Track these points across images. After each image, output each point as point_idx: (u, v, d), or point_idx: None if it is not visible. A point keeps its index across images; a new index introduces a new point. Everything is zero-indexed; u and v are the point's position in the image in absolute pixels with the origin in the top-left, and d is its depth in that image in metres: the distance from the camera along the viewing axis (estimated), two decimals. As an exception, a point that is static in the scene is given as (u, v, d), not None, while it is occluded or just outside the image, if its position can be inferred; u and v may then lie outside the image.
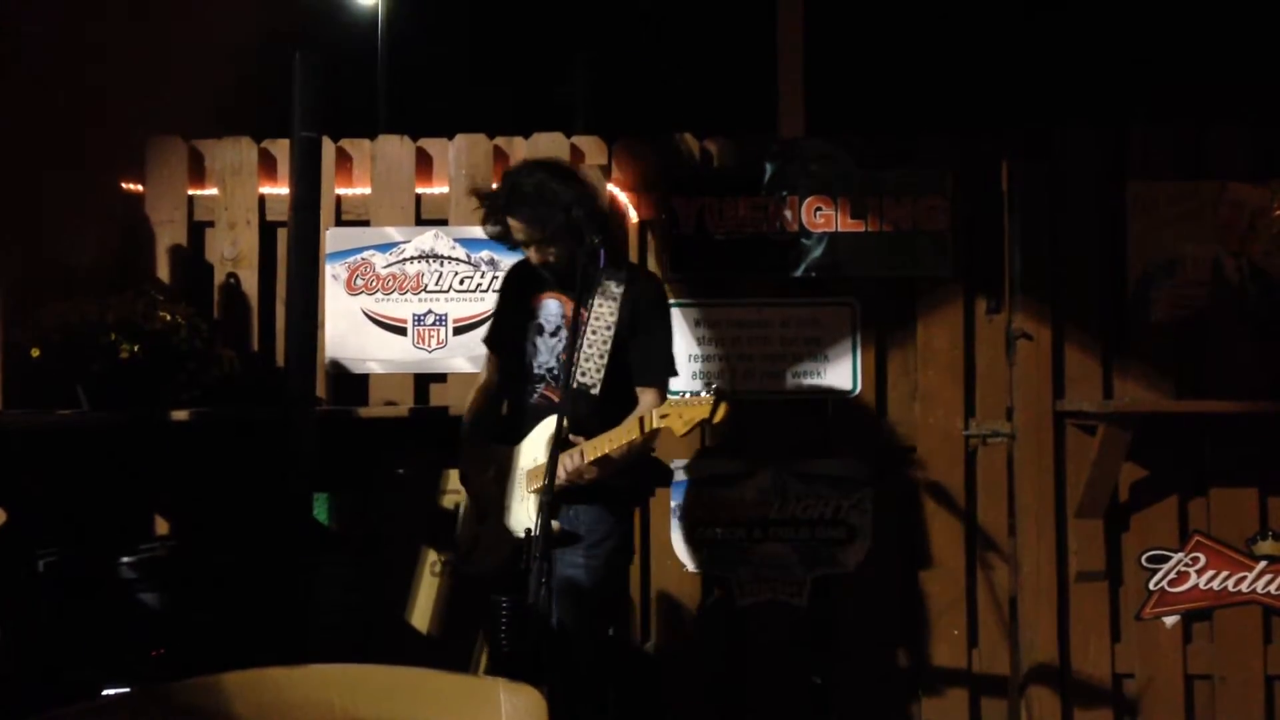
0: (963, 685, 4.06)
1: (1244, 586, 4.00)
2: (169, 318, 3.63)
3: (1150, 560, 4.01)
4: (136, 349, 3.51)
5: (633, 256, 4.15)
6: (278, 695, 1.95)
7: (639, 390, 3.25)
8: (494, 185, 3.58)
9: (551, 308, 3.30)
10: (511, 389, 3.40)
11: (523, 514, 3.17)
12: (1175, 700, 3.99)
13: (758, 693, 4.06)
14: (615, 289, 3.24)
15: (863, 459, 4.09)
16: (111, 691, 3.06)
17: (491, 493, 3.27)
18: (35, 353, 3.51)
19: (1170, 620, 4.01)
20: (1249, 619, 4.01)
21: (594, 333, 3.20)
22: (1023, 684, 4.00)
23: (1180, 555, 4.00)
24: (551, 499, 2.68)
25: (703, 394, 2.92)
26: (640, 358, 3.18)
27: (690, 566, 4.09)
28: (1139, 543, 4.02)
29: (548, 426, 3.15)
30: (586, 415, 3.17)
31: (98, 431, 3.61)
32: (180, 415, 3.63)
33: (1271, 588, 3.99)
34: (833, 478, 4.07)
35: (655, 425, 3.00)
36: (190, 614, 3.34)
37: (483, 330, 3.75)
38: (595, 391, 3.19)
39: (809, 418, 4.14)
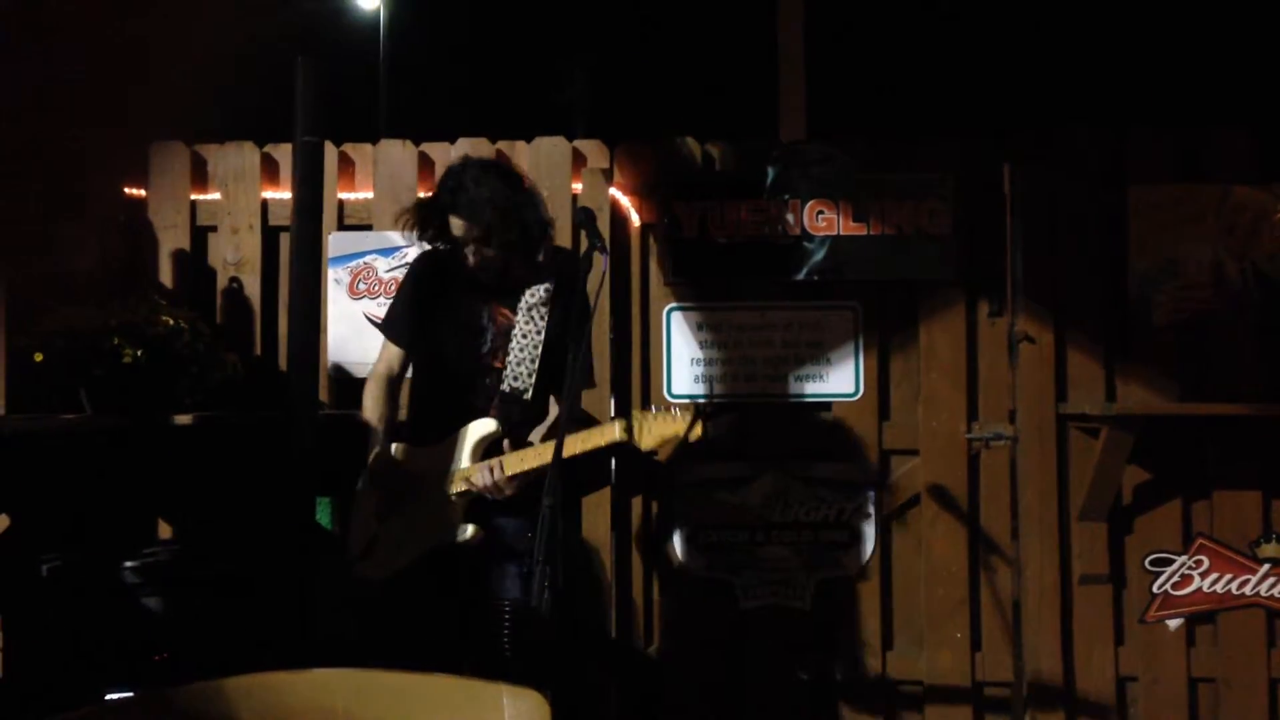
0: (966, 688, 4.05)
1: (1248, 589, 3.99)
2: (172, 322, 3.63)
3: (1153, 563, 4.00)
4: (139, 353, 3.51)
5: (634, 260, 4.16)
6: (281, 699, 1.95)
7: (555, 400, 3.22)
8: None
9: (478, 308, 3.25)
10: (423, 387, 3.33)
11: (446, 518, 3.12)
12: (1179, 704, 3.99)
13: (760, 696, 4.06)
14: (543, 293, 3.23)
15: (865, 462, 4.09)
16: (114, 696, 3.06)
17: (402, 492, 3.20)
18: (38, 357, 3.51)
19: (1174, 623, 4.01)
20: (1253, 622, 4.01)
21: (524, 336, 3.19)
22: (1026, 687, 3.99)
23: (1184, 558, 4.00)
24: (558, 503, 2.65)
25: (676, 411, 2.86)
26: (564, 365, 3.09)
27: (693, 570, 4.09)
28: (1142, 546, 4.02)
29: (474, 431, 3.12)
30: (519, 420, 3.17)
31: (101, 436, 3.61)
32: (183, 419, 3.63)
33: (1275, 590, 3.98)
34: (835, 481, 4.07)
35: (617, 438, 2.90)
36: (193, 618, 3.34)
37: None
38: (527, 397, 3.18)
39: (812, 421, 4.14)
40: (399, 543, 3.19)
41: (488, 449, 3.13)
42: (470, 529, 3.10)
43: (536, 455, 2.99)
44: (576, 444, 2.94)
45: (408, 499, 3.19)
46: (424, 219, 3.22)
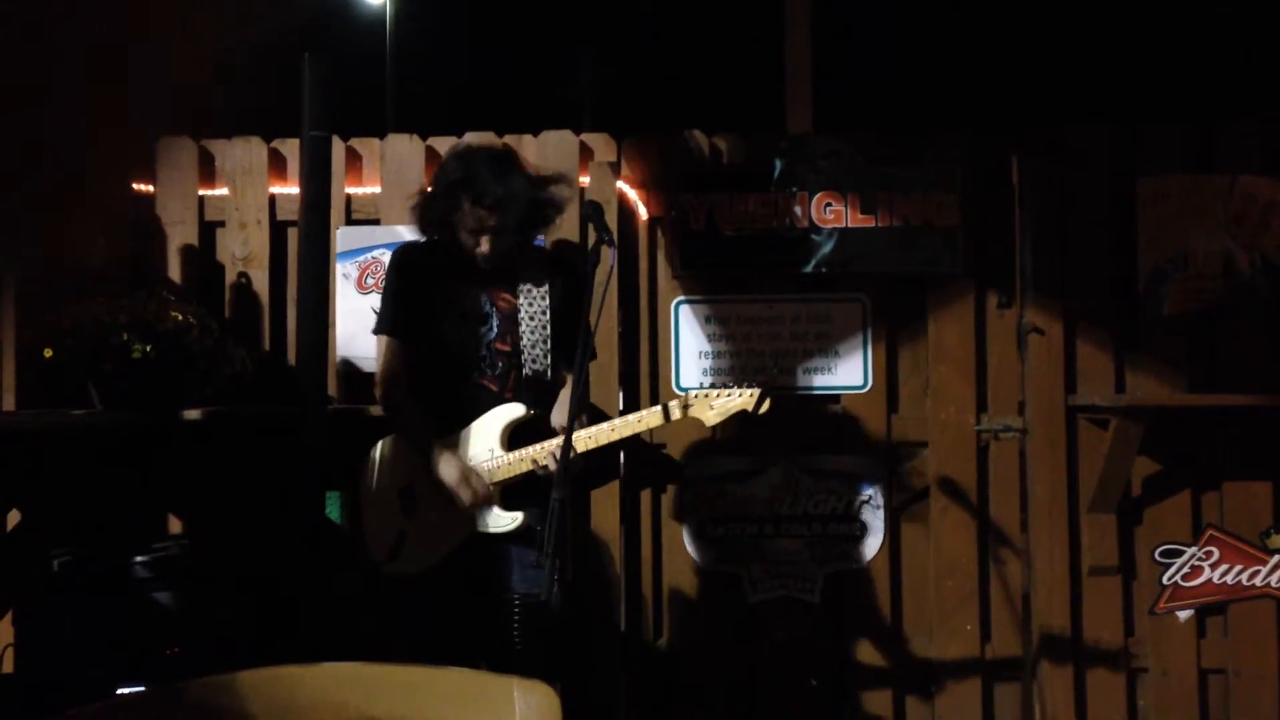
0: (976, 680, 4.05)
1: (1258, 580, 3.99)
2: (180, 317, 3.64)
3: (1163, 555, 4.00)
4: (149, 349, 3.52)
5: (642, 254, 4.16)
6: (292, 693, 1.95)
7: (566, 374, 3.24)
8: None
9: (477, 295, 3.23)
10: (430, 377, 3.26)
11: (482, 509, 3.13)
12: (1189, 695, 3.98)
13: (770, 689, 4.06)
14: (541, 274, 3.23)
15: (874, 455, 4.08)
16: (127, 690, 3.07)
17: (425, 485, 3.17)
18: (48, 353, 3.52)
19: (1184, 614, 4.00)
20: (1263, 613, 4.00)
21: (531, 319, 3.18)
22: (1036, 678, 3.99)
23: (1193, 549, 3.99)
24: (567, 497, 2.66)
25: (735, 390, 2.96)
26: (572, 341, 3.01)
27: (702, 563, 4.09)
28: (1152, 537, 4.02)
29: (501, 416, 3.13)
30: (547, 402, 3.17)
31: (111, 431, 3.62)
32: (192, 414, 3.64)
33: (1285, 582, 3.99)
34: (845, 473, 4.07)
35: (677, 416, 3.01)
36: (204, 612, 3.35)
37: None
38: (548, 377, 3.19)
39: (820, 414, 4.13)
40: (433, 538, 3.17)
41: (515, 432, 3.13)
42: (519, 517, 3.10)
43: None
44: (634, 425, 3.05)
45: (436, 492, 3.16)
46: (434, 210, 3.19)
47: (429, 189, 3.27)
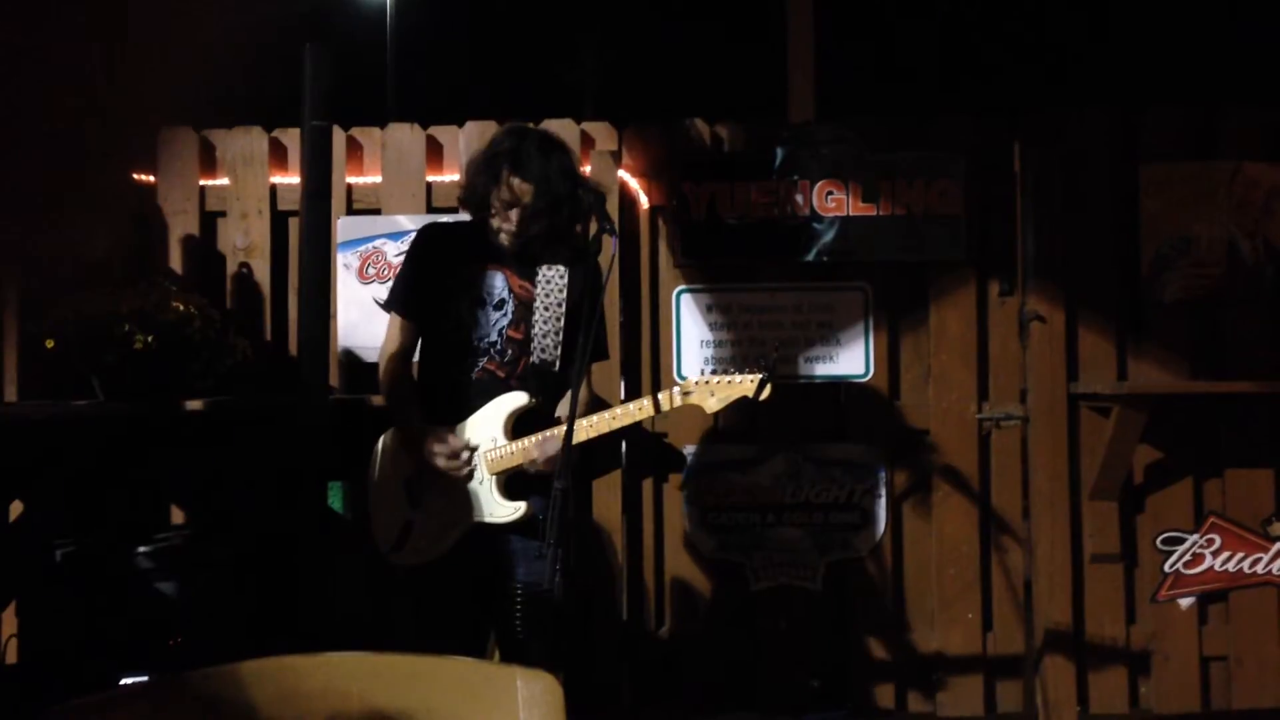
0: (978, 668, 4.06)
1: (1259, 568, 3.99)
2: (182, 308, 3.64)
3: (1165, 542, 4.00)
4: (150, 339, 3.52)
5: (643, 243, 4.15)
6: (295, 683, 1.95)
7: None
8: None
9: (496, 280, 3.18)
10: (437, 361, 3.23)
11: (484, 498, 3.09)
12: (1191, 682, 3.99)
13: (772, 677, 4.07)
14: (562, 265, 3.19)
15: (876, 443, 4.08)
16: (129, 680, 3.08)
17: (430, 475, 3.12)
18: (50, 344, 3.52)
19: (1185, 602, 4.01)
20: (1265, 600, 4.01)
21: (546, 309, 3.15)
22: (1037, 667, 4.00)
23: (1195, 537, 3.99)
24: (569, 486, 2.65)
25: (736, 375, 2.91)
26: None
27: (704, 552, 4.09)
28: (1154, 525, 4.02)
29: (504, 404, 3.10)
30: (553, 392, 3.15)
31: (113, 422, 3.62)
32: (194, 405, 3.64)
33: (1287, 569, 3.99)
34: (846, 462, 4.07)
35: (677, 404, 2.96)
36: (206, 602, 3.35)
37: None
38: (556, 368, 3.16)
39: (822, 402, 4.13)
40: (439, 527, 3.13)
41: (519, 421, 3.11)
42: (522, 507, 3.05)
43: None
44: (633, 414, 2.99)
45: (440, 481, 3.14)
46: (478, 184, 3.13)
47: (478, 163, 3.18)
